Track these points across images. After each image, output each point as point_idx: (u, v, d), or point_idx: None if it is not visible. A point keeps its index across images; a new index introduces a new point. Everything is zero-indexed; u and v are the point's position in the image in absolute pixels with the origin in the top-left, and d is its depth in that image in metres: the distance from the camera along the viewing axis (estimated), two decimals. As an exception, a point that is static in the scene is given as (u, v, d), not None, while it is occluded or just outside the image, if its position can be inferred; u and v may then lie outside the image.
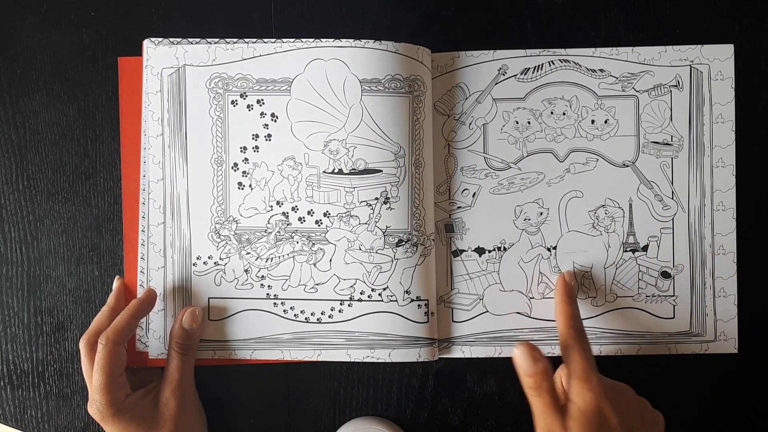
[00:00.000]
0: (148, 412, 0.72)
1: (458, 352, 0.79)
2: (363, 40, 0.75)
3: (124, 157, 0.79)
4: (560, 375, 0.73)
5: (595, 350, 0.77)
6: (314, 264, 0.77)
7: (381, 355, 0.76)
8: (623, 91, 0.79)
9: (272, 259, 0.77)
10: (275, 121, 0.77)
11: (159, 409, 0.73)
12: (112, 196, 0.80)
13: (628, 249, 0.79)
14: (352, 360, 0.77)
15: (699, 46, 0.78)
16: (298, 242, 0.77)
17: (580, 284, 0.78)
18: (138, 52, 0.79)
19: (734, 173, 0.78)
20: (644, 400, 0.70)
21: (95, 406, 0.70)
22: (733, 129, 0.78)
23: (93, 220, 0.80)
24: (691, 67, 0.78)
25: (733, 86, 0.78)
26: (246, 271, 0.77)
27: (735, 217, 0.78)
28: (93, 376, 0.71)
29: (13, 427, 0.81)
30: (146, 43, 0.78)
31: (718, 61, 0.78)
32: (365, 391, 0.81)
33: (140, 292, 0.77)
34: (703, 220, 0.78)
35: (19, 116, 0.81)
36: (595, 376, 0.66)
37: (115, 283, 0.78)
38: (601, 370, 0.72)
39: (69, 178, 0.81)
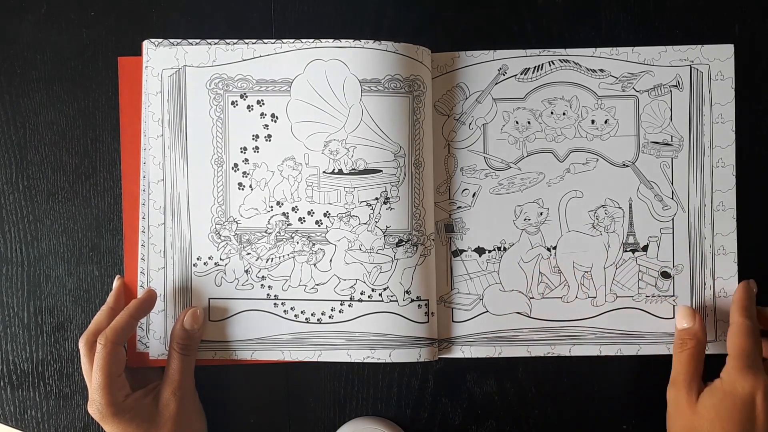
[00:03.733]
0: (147, 412, 0.72)
1: (458, 352, 0.79)
2: (363, 41, 0.75)
3: (124, 157, 0.79)
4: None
5: (595, 350, 0.78)
6: (314, 264, 0.77)
7: (381, 356, 0.76)
8: (623, 91, 0.79)
9: (272, 259, 0.77)
10: (275, 121, 0.77)
11: (159, 409, 0.73)
12: (112, 196, 0.80)
13: (628, 249, 0.79)
14: (353, 360, 0.77)
15: (699, 46, 0.78)
16: (298, 242, 0.77)
17: (580, 284, 0.78)
18: (138, 52, 0.79)
19: (734, 173, 0.78)
20: None
21: (95, 407, 0.70)
22: (733, 129, 0.78)
23: (93, 220, 0.80)
24: (691, 67, 0.78)
25: (733, 86, 0.78)
26: (246, 271, 0.77)
27: (735, 217, 0.78)
28: (92, 376, 0.71)
29: (13, 427, 0.81)
30: (146, 44, 0.78)
31: (718, 61, 0.78)
32: (365, 391, 0.81)
33: (140, 293, 0.77)
34: (703, 220, 0.78)
35: (19, 116, 0.81)
36: (762, 369, 0.69)
37: (115, 283, 0.78)
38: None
39: (69, 178, 0.81)
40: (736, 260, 0.78)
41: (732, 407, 0.68)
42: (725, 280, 0.78)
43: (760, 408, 0.68)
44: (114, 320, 0.72)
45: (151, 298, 0.76)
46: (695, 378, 0.72)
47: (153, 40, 0.78)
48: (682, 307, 0.76)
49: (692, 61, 0.78)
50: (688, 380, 0.71)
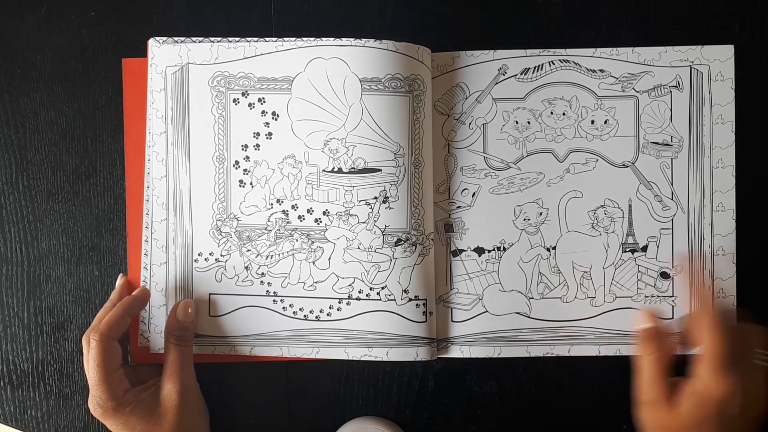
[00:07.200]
0: (148, 405, 0.72)
1: (457, 352, 0.78)
2: (363, 39, 0.75)
3: (128, 156, 0.79)
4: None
5: (594, 350, 0.77)
6: (313, 262, 0.77)
7: (379, 354, 0.76)
8: (623, 91, 0.79)
9: (272, 256, 0.77)
10: (276, 119, 0.77)
11: (160, 401, 0.73)
12: (112, 196, 0.80)
13: (627, 249, 0.79)
14: (350, 358, 0.77)
15: (699, 46, 0.78)
16: (297, 240, 0.77)
17: (579, 284, 0.78)
18: (138, 52, 0.79)
19: (734, 174, 0.78)
20: None
21: (95, 401, 0.70)
22: (733, 130, 0.78)
23: (93, 220, 0.81)
24: (691, 67, 0.78)
25: (733, 87, 0.78)
26: (246, 268, 0.78)
27: (735, 218, 0.78)
28: (89, 372, 0.71)
29: (13, 427, 0.81)
30: (151, 41, 0.78)
31: (719, 61, 0.78)
32: (365, 391, 0.81)
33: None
34: (703, 220, 0.78)
35: (19, 116, 0.81)
36: (735, 370, 0.68)
37: (119, 280, 0.79)
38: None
39: (69, 178, 0.81)
40: (735, 261, 0.78)
41: (712, 412, 0.68)
42: (724, 281, 0.78)
43: (736, 413, 0.67)
44: (107, 315, 0.73)
45: (144, 295, 0.77)
46: (664, 380, 0.71)
47: (157, 38, 0.78)
48: (642, 310, 0.77)
49: (692, 62, 0.78)
50: (659, 384, 0.71)
